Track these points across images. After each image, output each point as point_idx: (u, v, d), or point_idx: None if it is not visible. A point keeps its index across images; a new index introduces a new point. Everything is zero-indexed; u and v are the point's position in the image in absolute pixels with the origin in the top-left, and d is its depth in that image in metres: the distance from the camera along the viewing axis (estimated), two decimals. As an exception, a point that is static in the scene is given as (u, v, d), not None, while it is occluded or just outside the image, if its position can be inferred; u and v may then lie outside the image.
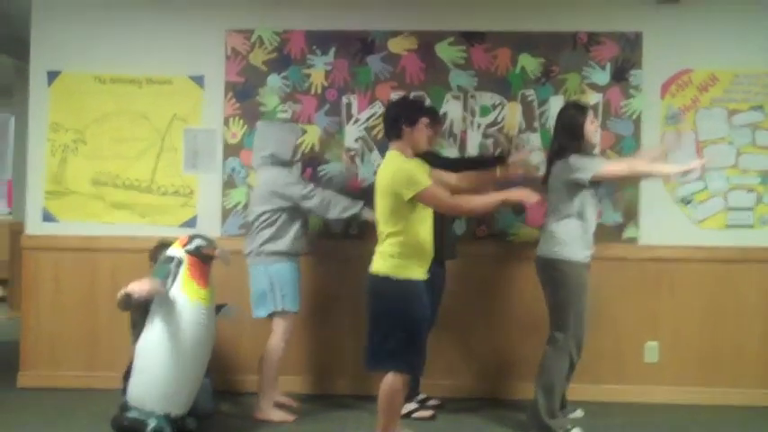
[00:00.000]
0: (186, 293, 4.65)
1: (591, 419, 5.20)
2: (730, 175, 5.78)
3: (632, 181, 5.58)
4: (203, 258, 4.75)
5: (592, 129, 5.02)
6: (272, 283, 5.14)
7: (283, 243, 5.17)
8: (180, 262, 4.70)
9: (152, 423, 4.57)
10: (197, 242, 4.77)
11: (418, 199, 4.30)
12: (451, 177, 4.72)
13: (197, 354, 4.66)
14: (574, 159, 4.86)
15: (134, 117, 5.94)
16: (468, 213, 5.25)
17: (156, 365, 4.58)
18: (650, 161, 5.15)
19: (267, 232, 5.16)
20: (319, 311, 5.80)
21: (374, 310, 4.40)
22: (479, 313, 5.78)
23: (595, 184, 4.90)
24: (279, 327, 5.20)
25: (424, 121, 4.54)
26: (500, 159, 5.38)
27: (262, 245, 5.17)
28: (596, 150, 5.59)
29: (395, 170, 4.36)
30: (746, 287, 5.71)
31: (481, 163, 5.42)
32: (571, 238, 4.87)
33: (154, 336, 4.61)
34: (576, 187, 4.86)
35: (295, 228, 5.21)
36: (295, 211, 5.20)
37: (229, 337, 5.65)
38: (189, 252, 4.73)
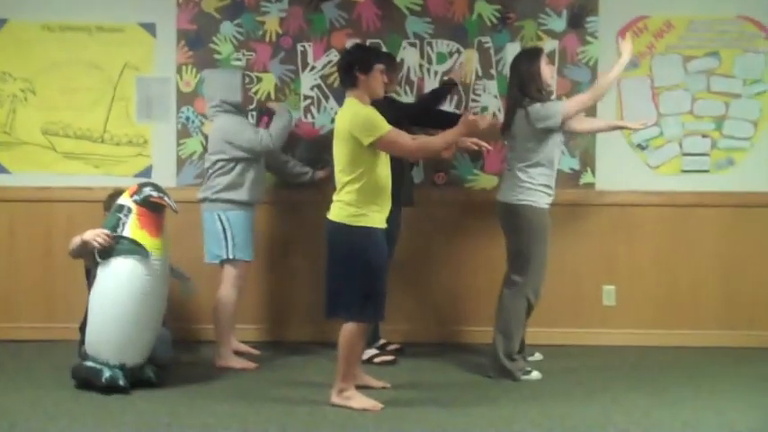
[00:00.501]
0: (136, 243, 4.59)
1: (549, 362, 5.24)
2: (685, 121, 5.81)
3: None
4: (153, 207, 4.66)
5: (548, 71, 5.00)
6: (225, 229, 5.11)
7: (240, 192, 5.12)
8: (129, 211, 4.62)
9: (106, 373, 4.52)
10: (146, 191, 4.65)
11: (377, 145, 4.23)
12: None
13: (150, 304, 4.59)
14: (537, 109, 4.82)
15: (84, 66, 5.82)
16: (429, 154, 5.04)
17: (107, 316, 4.52)
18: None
19: (224, 180, 5.12)
20: (277, 258, 5.78)
21: (332, 259, 4.36)
22: (439, 259, 5.80)
23: (564, 126, 4.89)
24: (229, 275, 5.16)
25: (379, 67, 4.43)
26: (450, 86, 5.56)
27: (217, 192, 5.12)
28: (553, 96, 5.59)
29: (352, 115, 4.28)
30: (702, 231, 5.77)
31: (437, 102, 5.59)
32: (536, 184, 4.86)
33: (104, 286, 4.55)
34: (546, 134, 4.84)
35: (251, 176, 5.16)
36: (250, 161, 5.15)
37: (187, 287, 5.60)
38: (137, 202, 4.63)
